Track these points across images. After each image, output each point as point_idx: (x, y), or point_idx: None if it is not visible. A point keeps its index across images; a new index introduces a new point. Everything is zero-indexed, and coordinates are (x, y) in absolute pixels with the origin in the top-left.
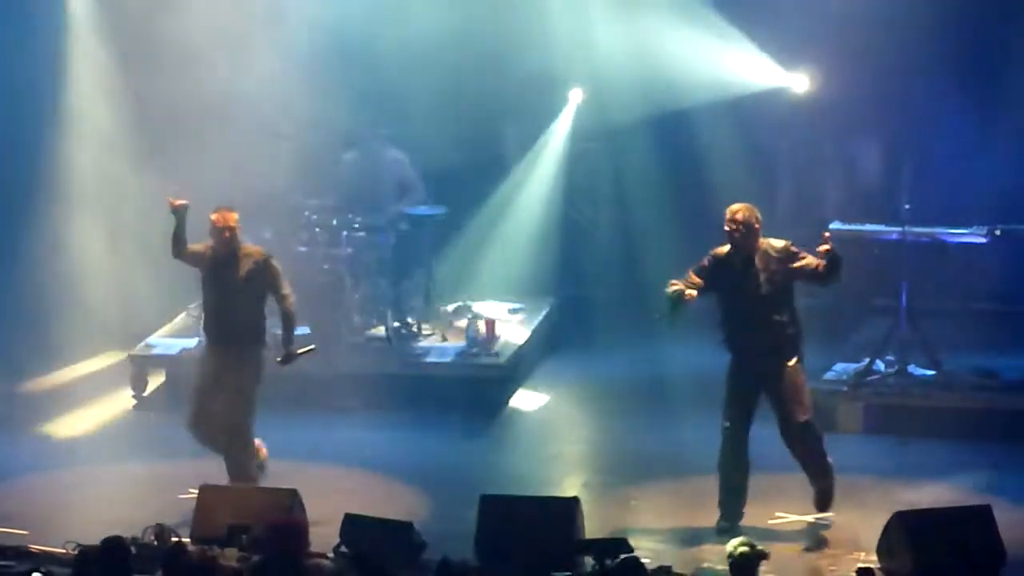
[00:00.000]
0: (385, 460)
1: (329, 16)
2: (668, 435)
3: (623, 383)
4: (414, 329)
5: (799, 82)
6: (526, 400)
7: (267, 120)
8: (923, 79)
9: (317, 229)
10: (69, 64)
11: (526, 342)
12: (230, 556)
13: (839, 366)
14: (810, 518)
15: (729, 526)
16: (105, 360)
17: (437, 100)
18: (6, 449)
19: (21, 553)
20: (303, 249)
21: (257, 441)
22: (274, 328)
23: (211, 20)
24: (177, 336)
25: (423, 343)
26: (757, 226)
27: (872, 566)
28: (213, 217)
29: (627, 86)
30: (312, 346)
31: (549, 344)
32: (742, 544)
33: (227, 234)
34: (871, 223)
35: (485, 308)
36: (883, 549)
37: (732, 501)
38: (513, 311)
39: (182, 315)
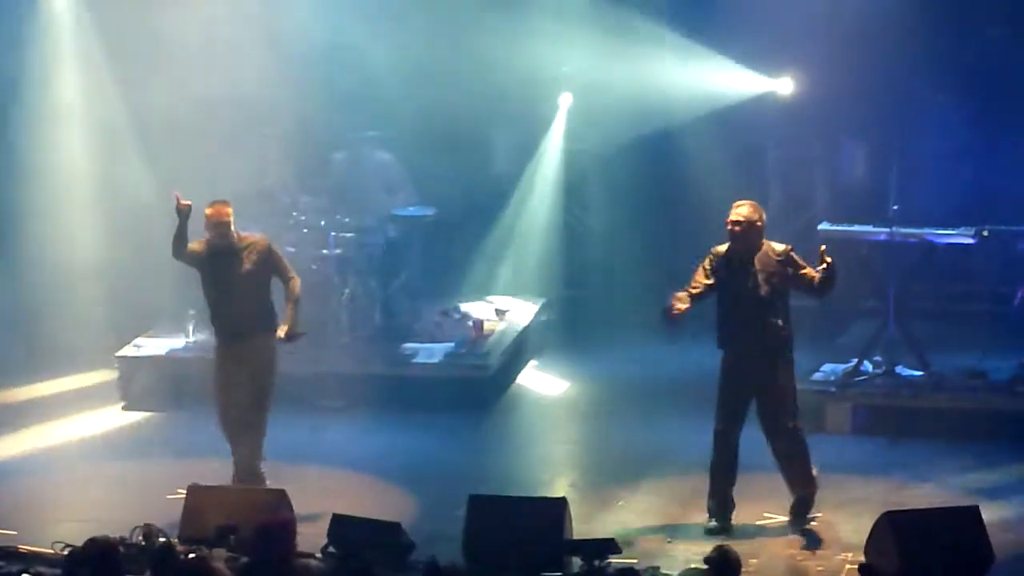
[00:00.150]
0: (373, 460)
1: (319, 18)
2: (656, 436)
3: (611, 384)
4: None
5: (784, 85)
6: (514, 401)
7: (254, 120)
8: (911, 80)
9: (305, 230)
10: (55, 64)
11: (514, 343)
12: (218, 557)
13: (827, 367)
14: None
15: (718, 527)
16: (94, 362)
17: (426, 103)
18: None
19: (10, 554)
20: (291, 250)
21: None
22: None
23: (200, 19)
24: (165, 336)
25: (412, 343)
26: (760, 224)
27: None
28: (208, 212)
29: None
30: (304, 332)
31: (538, 345)
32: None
33: (222, 228)
34: (859, 224)
35: (474, 309)
36: (871, 549)
37: (721, 502)
38: (501, 312)
39: (171, 316)
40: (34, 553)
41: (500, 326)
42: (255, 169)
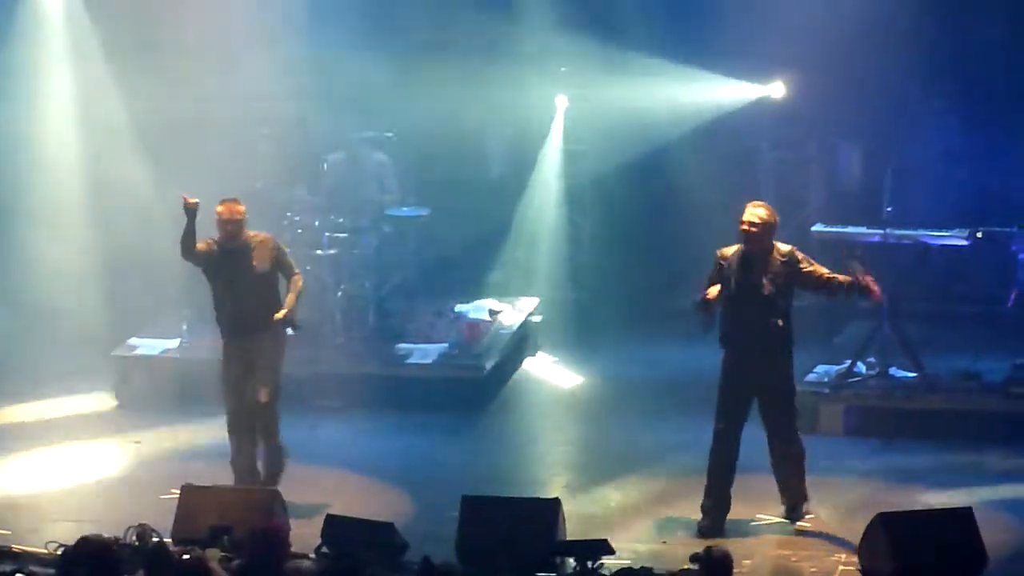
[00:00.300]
0: (367, 461)
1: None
2: (649, 436)
3: (605, 385)
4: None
5: (776, 89)
6: (509, 401)
7: (251, 120)
8: (905, 82)
9: (299, 231)
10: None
11: (508, 343)
12: (212, 557)
13: (821, 368)
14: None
15: (712, 526)
16: (88, 362)
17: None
18: None
19: (3, 553)
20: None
21: None
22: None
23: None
24: (159, 337)
25: (406, 344)
26: (774, 226)
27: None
28: (219, 210)
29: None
30: (300, 327)
31: (532, 346)
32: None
33: (234, 226)
34: (853, 225)
35: (468, 309)
36: (864, 550)
37: (717, 502)
38: (496, 312)
39: (165, 316)
40: (27, 553)
41: (494, 327)
42: (251, 168)
